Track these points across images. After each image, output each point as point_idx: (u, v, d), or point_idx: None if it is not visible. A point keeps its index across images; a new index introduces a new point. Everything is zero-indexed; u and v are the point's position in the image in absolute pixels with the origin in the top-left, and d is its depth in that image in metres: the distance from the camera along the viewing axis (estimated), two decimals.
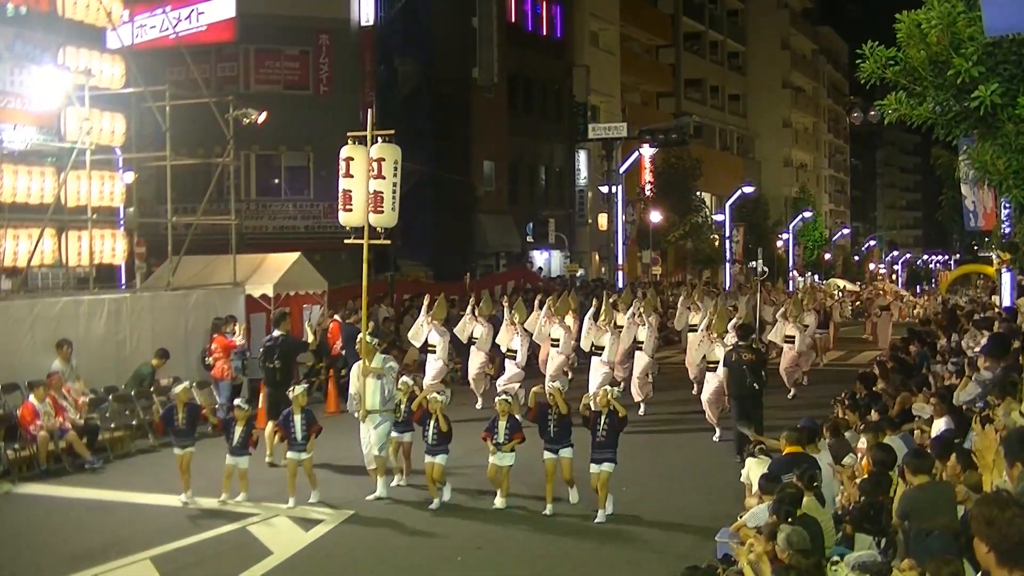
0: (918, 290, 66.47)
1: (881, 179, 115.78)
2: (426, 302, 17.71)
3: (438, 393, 12.00)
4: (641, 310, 18.16)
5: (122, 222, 18.81)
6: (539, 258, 43.05)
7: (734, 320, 17.39)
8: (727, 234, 53.39)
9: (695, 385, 17.92)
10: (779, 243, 63.15)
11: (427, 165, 33.01)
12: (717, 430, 15.31)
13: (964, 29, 8.30)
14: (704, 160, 51.50)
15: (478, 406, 17.44)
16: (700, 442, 15.16)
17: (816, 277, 64.46)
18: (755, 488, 9.10)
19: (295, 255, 19.72)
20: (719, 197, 56.20)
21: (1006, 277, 25.82)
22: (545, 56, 42.95)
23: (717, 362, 15.11)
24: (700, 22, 63.52)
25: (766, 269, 26.46)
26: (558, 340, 17.52)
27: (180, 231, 19.19)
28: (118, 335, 15.92)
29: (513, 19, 40.80)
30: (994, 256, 25.38)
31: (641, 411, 17.16)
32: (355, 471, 12.37)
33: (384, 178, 11.53)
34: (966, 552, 5.56)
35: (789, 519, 7.04)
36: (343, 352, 18.37)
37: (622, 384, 18.03)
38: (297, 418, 11.38)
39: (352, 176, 11.69)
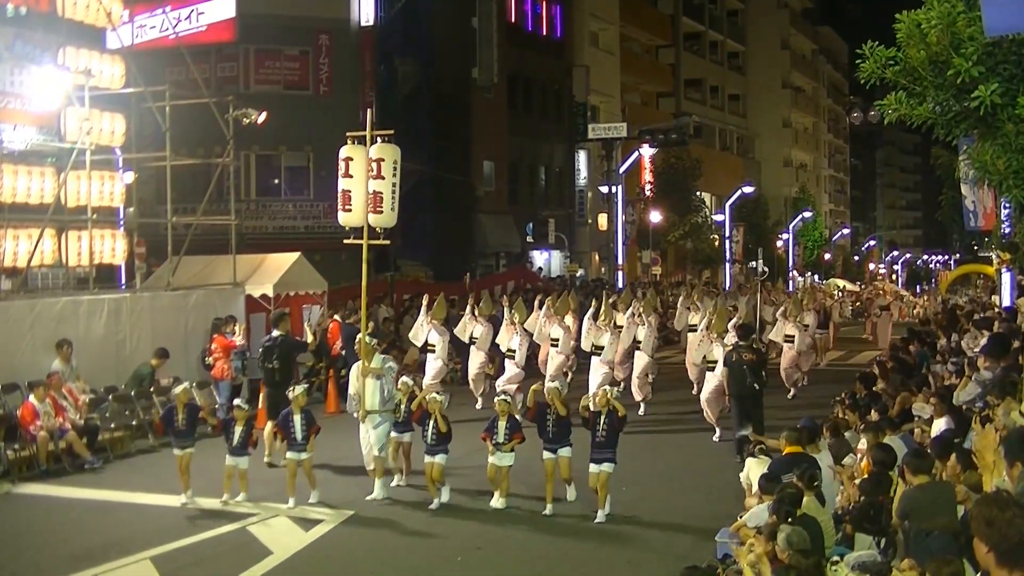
0: (918, 290, 66.49)
1: (881, 179, 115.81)
2: (425, 302, 17.72)
3: (437, 393, 12.00)
4: (640, 310, 18.17)
5: (122, 222, 18.81)
6: (539, 258, 43.04)
7: (734, 320, 17.40)
8: (727, 234, 53.39)
9: (695, 385, 17.92)
10: (779, 243, 63.15)
11: (427, 165, 33.01)
12: (717, 430, 15.32)
13: (964, 29, 8.30)
14: (704, 160, 51.50)
15: (478, 406, 17.44)
16: (700, 442, 15.16)
17: (816, 277, 64.47)
18: (755, 488, 9.10)
19: (295, 255, 19.72)
20: (719, 197, 56.20)
21: (1006, 277, 25.83)
22: (545, 56, 42.95)
23: (716, 362, 15.12)
24: (700, 22, 63.53)
25: (766, 269, 26.48)
26: (558, 340, 17.52)
27: (180, 231, 19.19)
28: (118, 335, 15.92)
29: (513, 19, 40.80)
30: (994, 256, 25.37)
31: (641, 411, 17.16)
32: (355, 471, 12.37)
33: (383, 178, 11.51)
34: (966, 552, 5.56)
35: (789, 519, 7.04)
36: (343, 352, 18.37)
37: (622, 384, 18.04)
38: (297, 418, 11.38)
39: (351, 176, 11.66)
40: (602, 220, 44.45)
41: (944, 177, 26.84)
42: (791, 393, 19.43)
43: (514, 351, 17.23)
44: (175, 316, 17.09)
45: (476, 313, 18.07)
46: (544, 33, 43.62)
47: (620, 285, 34.84)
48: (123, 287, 18.63)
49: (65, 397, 13.72)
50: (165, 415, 12.04)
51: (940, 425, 10.33)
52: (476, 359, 18.04)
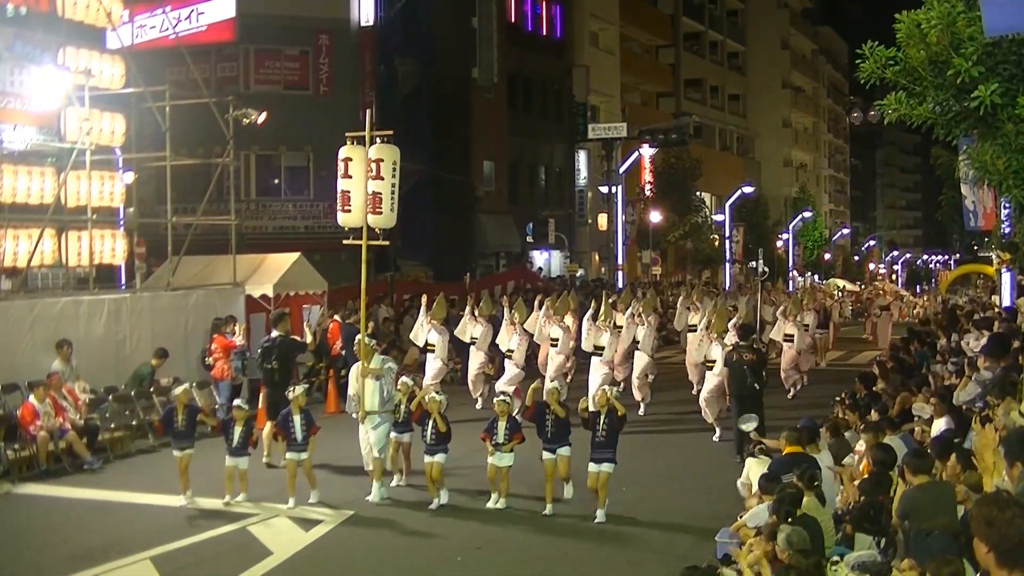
0: (918, 290, 66.52)
1: (881, 179, 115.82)
2: (424, 302, 17.73)
3: (436, 393, 11.98)
4: (640, 310, 18.16)
5: (122, 222, 18.81)
6: (539, 258, 43.04)
7: (734, 320, 17.40)
8: (727, 234, 53.39)
9: (695, 385, 17.92)
10: (779, 243, 63.14)
11: (427, 165, 33.02)
12: (717, 430, 15.32)
13: (964, 29, 8.30)
14: (704, 160, 51.50)
15: (478, 406, 17.44)
16: (700, 442, 15.16)
17: (816, 277, 64.47)
18: (755, 488, 9.10)
19: (295, 255, 19.72)
20: (719, 197, 56.20)
21: (1006, 277, 25.84)
22: (545, 56, 42.95)
23: (716, 361, 15.12)
24: (700, 22, 63.54)
25: (766, 269, 26.48)
26: (557, 340, 17.51)
27: (180, 231, 19.18)
28: (118, 335, 15.92)
29: (513, 19, 40.80)
30: (994, 256, 25.38)
31: (641, 411, 17.17)
32: (355, 471, 12.38)
33: (383, 179, 11.48)
34: (966, 552, 5.56)
35: (789, 519, 7.05)
36: (343, 352, 18.37)
37: (622, 384, 18.05)
38: (296, 418, 11.38)
39: (350, 177, 11.63)
40: (602, 220, 44.46)
41: (944, 177, 26.83)
42: (791, 393, 19.44)
43: (513, 351, 17.23)
44: (175, 316, 17.09)
45: (476, 314, 18.07)
46: (544, 33, 43.62)
47: (620, 285, 34.84)
48: (123, 287, 18.63)
49: (65, 397, 13.72)
50: (165, 416, 12.03)
51: (940, 425, 10.33)
52: (476, 360, 18.03)
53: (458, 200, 36.50)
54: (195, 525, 10.62)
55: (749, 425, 11.67)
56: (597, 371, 16.51)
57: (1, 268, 15.78)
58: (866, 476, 8.87)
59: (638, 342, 17.59)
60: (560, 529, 10.49)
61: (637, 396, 17.35)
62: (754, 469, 9.81)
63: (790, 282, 52.70)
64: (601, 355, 16.58)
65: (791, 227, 64.28)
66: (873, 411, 11.60)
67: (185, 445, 11.54)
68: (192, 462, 11.53)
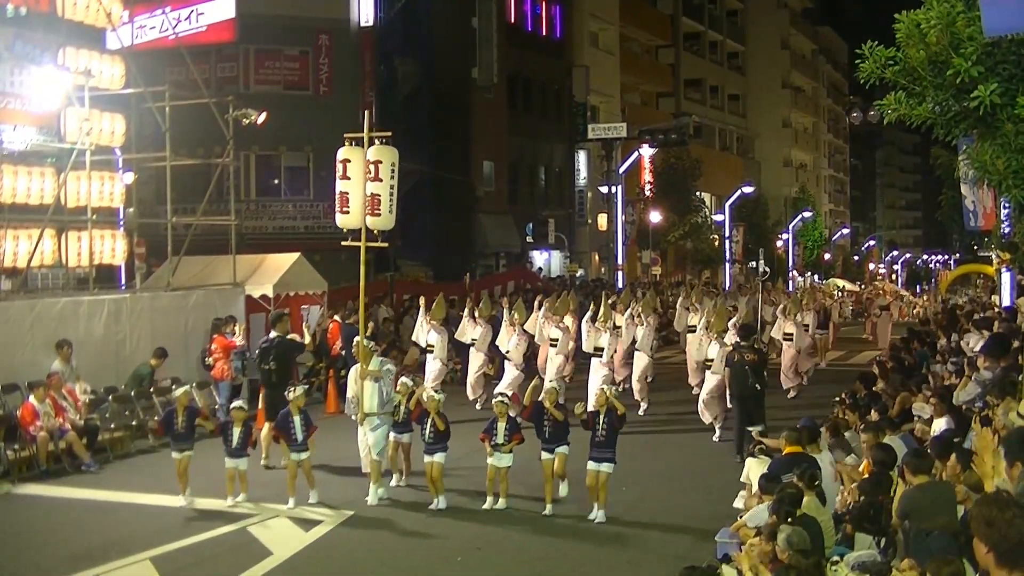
0: (918, 290, 66.50)
1: (881, 179, 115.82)
2: (423, 303, 17.72)
3: (435, 391, 11.97)
4: (639, 311, 18.15)
5: (122, 222, 18.81)
6: (539, 258, 43.04)
7: (733, 319, 17.40)
8: (727, 234, 53.38)
9: (695, 387, 17.90)
10: (779, 243, 63.13)
11: (427, 165, 33.02)
12: (717, 430, 15.32)
13: (963, 29, 8.29)
14: (704, 160, 51.49)
15: (478, 407, 17.44)
16: (700, 442, 15.16)
17: (816, 277, 64.47)
18: (755, 488, 9.11)
19: (295, 255, 19.72)
20: (719, 197, 56.19)
21: (1006, 277, 25.83)
22: (545, 56, 42.95)
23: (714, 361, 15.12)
24: (700, 22, 63.54)
25: (767, 269, 26.47)
26: (556, 340, 17.50)
27: (180, 231, 19.18)
28: (118, 335, 15.92)
29: (513, 19, 40.80)
30: (994, 256, 25.35)
31: (641, 411, 17.17)
32: (354, 472, 12.37)
33: (381, 180, 11.45)
34: (966, 552, 5.55)
35: (789, 519, 7.05)
36: (343, 352, 18.37)
37: (621, 385, 18.04)
38: (296, 419, 11.38)
39: (349, 178, 11.59)
40: (602, 220, 44.45)
41: (944, 177, 26.80)
42: (791, 393, 19.44)
43: (511, 352, 17.21)
44: (175, 316, 17.09)
45: (475, 315, 18.05)
46: (544, 33, 43.63)
47: (620, 285, 34.83)
48: (123, 287, 18.63)
49: (65, 397, 13.71)
50: (165, 418, 12.03)
51: (940, 425, 10.34)
52: (475, 361, 18.01)
53: (458, 200, 36.49)
54: (195, 525, 10.61)
55: (756, 428, 11.73)
56: (597, 372, 16.51)
57: (1, 268, 15.78)
58: (866, 476, 8.88)
59: (637, 342, 17.59)
60: (560, 530, 10.49)
61: (637, 397, 17.35)
62: (754, 469, 9.82)
63: (790, 282, 52.70)
64: (601, 356, 16.57)
65: (791, 227, 64.29)
66: (873, 411, 11.60)
67: (184, 447, 11.54)
68: (191, 463, 11.53)
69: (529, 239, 41.33)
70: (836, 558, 6.65)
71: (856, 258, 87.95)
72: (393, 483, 12.06)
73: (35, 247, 16.01)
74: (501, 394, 12.26)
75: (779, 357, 20.34)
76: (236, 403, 11.90)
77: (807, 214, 66.16)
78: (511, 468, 11.11)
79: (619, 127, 41.56)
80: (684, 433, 16.02)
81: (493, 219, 38.57)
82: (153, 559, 9.50)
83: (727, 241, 53.40)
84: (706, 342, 16.09)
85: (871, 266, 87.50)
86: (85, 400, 14.23)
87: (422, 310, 17.63)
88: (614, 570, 9.42)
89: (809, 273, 65.65)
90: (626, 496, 11.50)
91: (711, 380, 15.37)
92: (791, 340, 19.96)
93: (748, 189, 54.03)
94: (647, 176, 46.38)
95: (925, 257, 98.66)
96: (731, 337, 15.42)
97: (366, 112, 12.90)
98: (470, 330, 17.94)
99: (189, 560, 9.56)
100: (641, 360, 17.63)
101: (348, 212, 11.68)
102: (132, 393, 15.13)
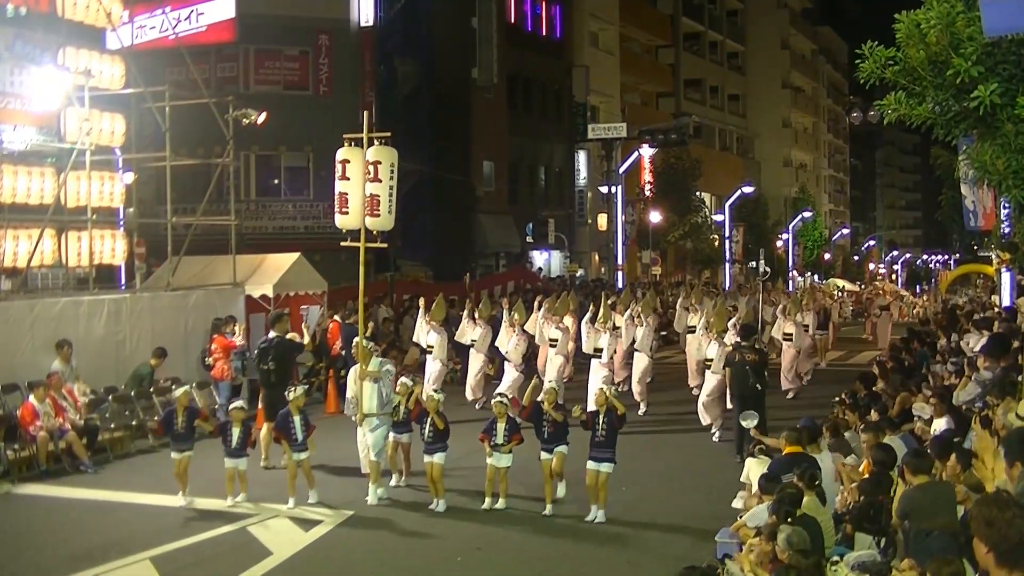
0: (918, 290, 66.49)
1: (881, 179, 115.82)
2: (423, 303, 17.71)
3: (434, 391, 11.96)
4: (639, 311, 18.15)
5: (122, 222, 18.81)
6: (539, 258, 43.04)
7: (733, 319, 17.40)
8: (727, 234, 53.37)
9: (694, 388, 17.90)
10: (779, 243, 63.13)
11: (427, 165, 33.01)
12: (717, 430, 15.31)
13: (963, 29, 8.29)
14: (704, 160, 51.49)
15: (478, 407, 17.44)
16: (700, 442, 15.16)
17: (816, 277, 64.46)
18: (755, 488, 9.11)
19: (295, 255, 19.72)
20: (719, 197, 56.18)
21: (1006, 277, 25.83)
22: (545, 56, 42.95)
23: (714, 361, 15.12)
24: (700, 22, 63.53)
25: (768, 270, 26.47)
26: (556, 341, 17.50)
27: (180, 231, 19.18)
28: (118, 335, 15.92)
29: (513, 19, 40.79)
30: (994, 256, 25.35)
31: (641, 411, 17.16)
32: (354, 472, 12.36)
33: (380, 181, 11.44)
34: (966, 552, 5.56)
35: (789, 519, 7.05)
36: (343, 352, 18.37)
37: (622, 386, 18.04)
38: (296, 419, 11.38)
39: (348, 179, 11.58)
40: (602, 220, 44.44)
41: (944, 177, 26.78)
42: (791, 393, 19.44)
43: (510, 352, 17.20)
44: (175, 316, 17.09)
45: (475, 316, 18.05)
46: (544, 33, 43.62)
47: (620, 285, 34.83)
48: (123, 287, 18.63)
49: (65, 397, 13.72)
50: (165, 418, 12.03)
51: (940, 425, 10.34)
52: (475, 363, 18.00)
53: (458, 200, 36.49)
54: (195, 525, 10.62)
55: (750, 422, 11.66)
56: (597, 373, 16.50)
57: (1, 268, 15.78)
58: (866, 476, 8.87)
59: (637, 343, 17.59)
60: (560, 530, 10.49)
61: (637, 398, 17.35)
62: (754, 469, 9.82)
63: (790, 282, 52.70)
64: (600, 357, 16.56)
65: (791, 227, 64.28)
66: (873, 411, 11.60)
67: (184, 447, 11.54)
68: (191, 463, 11.53)
69: (529, 239, 41.33)
70: (836, 558, 6.65)
71: (856, 258, 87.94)
72: (393, 483, 12.06)
73: (35, 247, 16.01)
74: (501, 394, 12.26)
75: (779, 357, 20.34)
76: (235, 403, 11.90)
77: (807, 214, 66.16)
78: (511, 468, 11.11)
79: (619, 127, 41.56)
80: (684, 433, 16.02)
81: (493, 219, 38.57)
82: (153, 559, 9.50)
83: (727, 241, 53.39)
84: (706, 342, 16.07)
85: (871, 266, 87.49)
86: (84, 400, 14.22)
87: (422, 310, 17.62)
88: (614, 570, 9.42)
89: (809, 273, 65.64)
90: (626, 496, 11.50)
91: (711, 381, 15.37)
92: (791, 340, 19.97)
93: (748, 189, 54.03)
94: (647, 176, 46.38)
95: (925, 257, 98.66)
96: (731, 337, 15.42)
97: (366, 112, 12.89)
98: (470, 331, 17.93)
99: (189, 560, 9.56)
100: (641, 361, 17.62)
101: (347, 213, 11.67)
102: (132, 393, 15.13)
